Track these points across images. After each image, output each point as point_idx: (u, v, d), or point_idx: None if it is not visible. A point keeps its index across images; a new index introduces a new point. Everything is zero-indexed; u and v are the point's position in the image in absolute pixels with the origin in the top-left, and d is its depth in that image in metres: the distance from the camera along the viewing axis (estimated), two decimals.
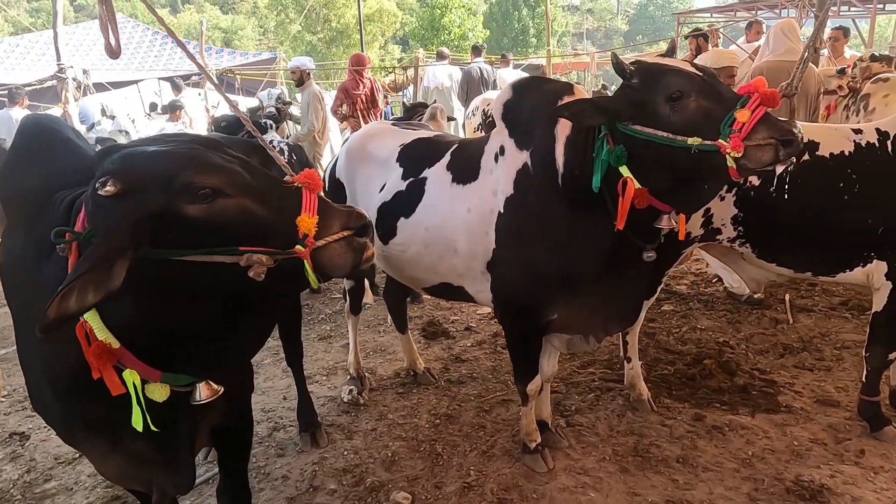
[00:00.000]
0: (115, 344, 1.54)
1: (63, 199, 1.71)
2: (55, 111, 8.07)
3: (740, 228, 3.06)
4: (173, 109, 8.60)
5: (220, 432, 2.12)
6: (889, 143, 2.83)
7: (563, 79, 8.55)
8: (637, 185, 2.21)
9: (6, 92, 7.71)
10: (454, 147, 2.91)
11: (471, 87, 8.11)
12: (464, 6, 32.10)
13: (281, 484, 3.08)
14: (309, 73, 7.01)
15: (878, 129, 2.89)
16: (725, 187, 2.93)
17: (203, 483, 3.08)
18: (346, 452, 3.29)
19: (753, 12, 13.79)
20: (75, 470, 3.30)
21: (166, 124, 8.41)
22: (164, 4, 46.74)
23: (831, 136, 2.95)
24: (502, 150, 2.65)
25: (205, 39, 14.58)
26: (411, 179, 2.94)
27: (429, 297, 5.37)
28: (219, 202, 1.49)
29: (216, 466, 3.14)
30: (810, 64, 4.98)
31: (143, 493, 2.19)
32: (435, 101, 7.07)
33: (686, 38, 8.45)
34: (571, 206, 2.45)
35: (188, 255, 1.47)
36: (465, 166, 2.79)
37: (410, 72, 10.27)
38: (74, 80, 6.33)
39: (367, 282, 4.87)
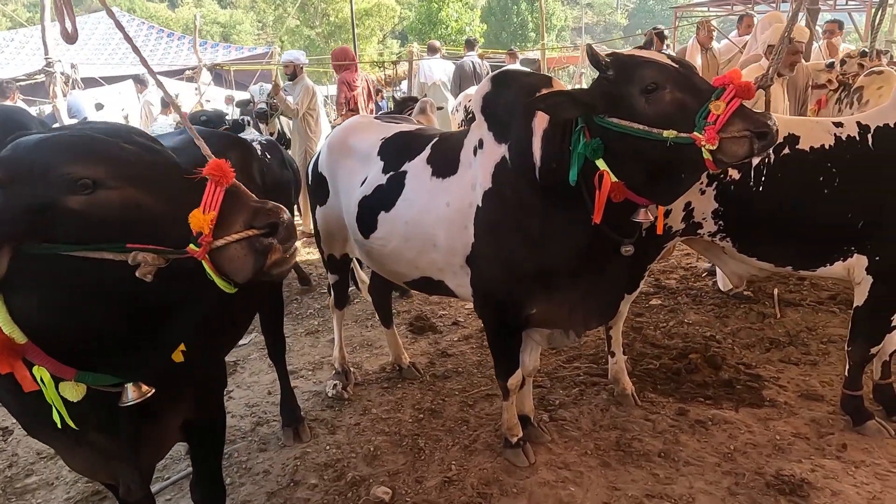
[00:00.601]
0: (21, 339, 1.47)
1: None
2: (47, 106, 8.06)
3: (721, 222, 3.04)
4: (164, 105, 8.57)
5: (190, 428, 2.10)
6: (870, 136, 2.81)
7: (560, 73, 8.53)
8: (613, 179, 2.20)
9: None
10: (435, 140, 2.90)
11: (463, 81, 8.07)
12: (462, 0, 31.99)
13: (262, 479, 3.07)
14: (302, 68, 6.98)
15: (858, 123, 2.87)
16: (706, 181, 2.92)
17: (182, 479, 3.08)
18: (328, 447, 3.29)
19: (749, 6, 13.75)
20: (56, 465, 3.29)
21: (160, 118, 8.39)
22: None
23: (811, 129, 2.93)
24: (481, 144, 2.63)
25: (203, 34, 14.53)
26: (392, 173, 2.92)
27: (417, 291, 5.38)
28: (100, 194, 1.38)
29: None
30: (801, 58, 4.96)
31: (114, 486, 2.18)
32: (426, 95, 7.04)
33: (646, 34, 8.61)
34: (549, 199, 2.44)
35: (74, 251, 1.37)
36: (445, 160, 2.77)
37: (406, 67, 10.22)
38: (63, 74, 6.28)
39: (358, 274, 4.87)
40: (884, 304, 2.91)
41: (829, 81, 5.60)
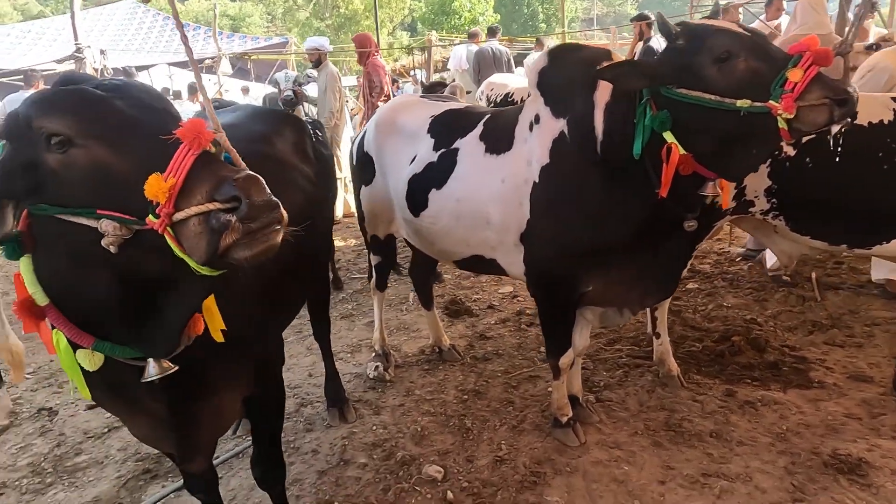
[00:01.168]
0: (42, 300, 1.44)
1: None
2: None
3: (774, 200, 3.01)
4: (192, 92, 8.58)
5: (250, 403, 2.10)
6: None
7: None
8: (682, 151, 2.17)
9: (22, 75, 7.69)
10: (486, 117, 2.87)
11: (483, 68, 8.01)
12: None
13: (311, 458, 3.07)
14: (326, 54, 6.95)
15: None
16: None
17: (232, 457, 3.08)
18: (374, 427, 3.28)
19: None
20: (105, 444, 3.31)
21: (186, 104, 8.40)
22: None
23: (870, 104, 2.88)
24: (537, 119, 2.61)
25: (207, 27, 14.50)
26: (443, 150, 2.90)
27: (450, 276, 5.37)
28: (72, 152, 1.30)
29: (245, 441, 3.17)
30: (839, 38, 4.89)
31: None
32: (454, 80, 7.00)
33: (631, 21, 8.60)
34: (610, 174, 2.41)
35: (57, 213, 1.33)
36: (499, 136, 2.74)
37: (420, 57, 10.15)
38: (94, 60, 6.27)
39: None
40: None
41: None
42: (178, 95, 13.01)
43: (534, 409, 3.32)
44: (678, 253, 2.59)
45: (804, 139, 2.75)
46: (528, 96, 6.12)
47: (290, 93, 6.77)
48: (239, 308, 1.83)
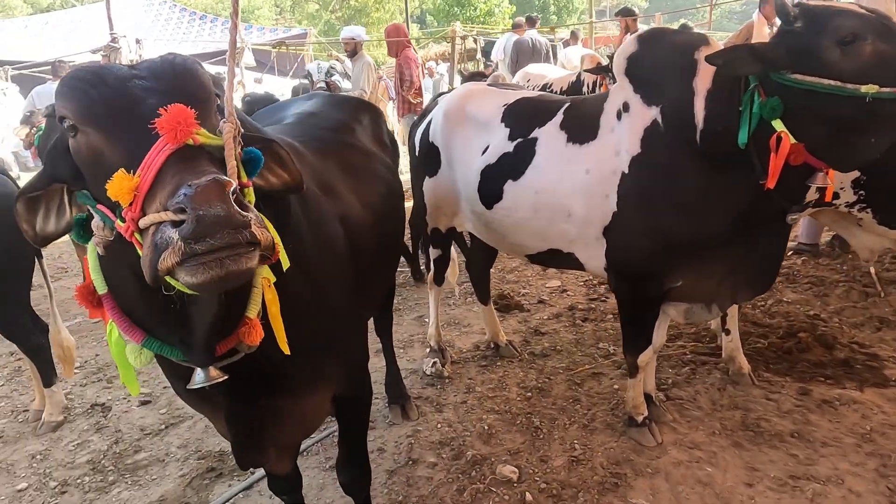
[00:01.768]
0: (101, 288, 1.36)
1: None
2: None
3: (861, 192, 2.89)
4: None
5: (338, 403, 2.01)
6: None
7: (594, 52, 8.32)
8: (793, 141, 2.06)
9: (50, 66, 7.62)
10: (567, 105, 2.77)
11: (521, 58, 7.88)
12: None
13: (377, 456, 2.99)
14: (361, 44, 6.84)
15: None
16: None
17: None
18: (438, 425, 3.20)
19: None
20: (164, 441, 3.24)
21: None
22: None
23: None
24: (626, 107, 2.50)
25: (225, 18, 14.38)
26: (519, 140, 2.80)
27: (494, 270, 5.26)
28: (77, 137, 1.20)
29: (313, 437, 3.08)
30: None
31: None
32: (496, 70, 6.89)
33: (616, 15, 8.58)
34: (709, 164, 2.30)
35: (83, 202, 1.27)
36: (582, 125, 2.64)
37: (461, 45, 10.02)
38: (129, 50, 6.19)
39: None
40: None
41: None
42: None
43: (602, 407, 3.23)
44: (776, 247, 2.48)
45: None
46: (568, 87, 5.99)
47: (323, 84, 6.67)
48: (324, 303, 1.75)
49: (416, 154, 3.36)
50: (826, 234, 5.08)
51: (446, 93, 4.32)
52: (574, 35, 9.00)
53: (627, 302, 2.74)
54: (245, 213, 1.00)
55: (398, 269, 5.75)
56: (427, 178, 3.29)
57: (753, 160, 2.19)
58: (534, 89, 6.41)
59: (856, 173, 2.86)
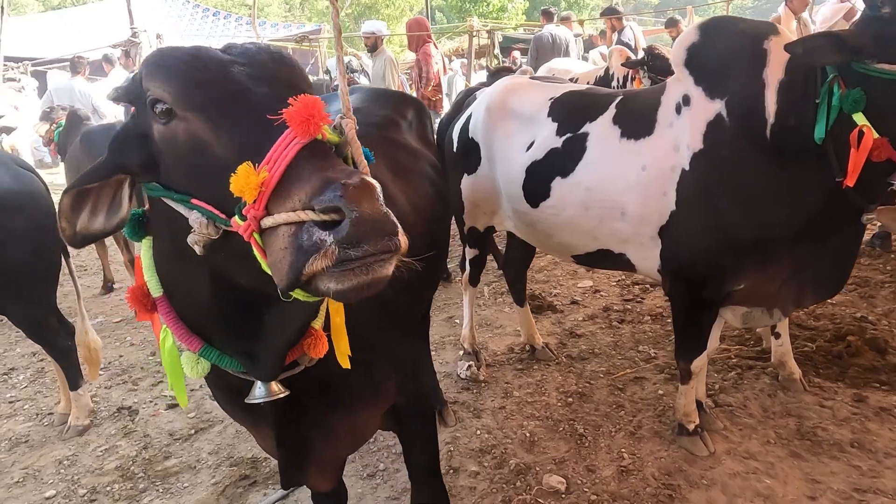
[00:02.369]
0: (155, 290, 1.27)
1: None
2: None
3: None
4: None
5: (396, 417, 1.84)
6: None
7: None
8: (876, 135, 1.93)
9: (68, 62, 7.55)
10: (619, 99, 2.63)
11: (542, 54, 7.72)
12: None
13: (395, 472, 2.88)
14: (382, 39, 6.72)
15: None
16: None
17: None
18: (478, 432, 3.08)
19: None
20: (193, 447, 3.14)
21: None
22: None
23: None
24: (686, 101, 2.37)
25: (238, 15, 14.31)
26: (568, 135, 2.67)
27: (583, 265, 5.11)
28: (173, 124, 1.10)
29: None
30: None
31: None
32: (522, 65, 6.75)
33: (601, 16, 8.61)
34: (778, 160, 2.17)
35: (162, 196, 1.15)
36: (637, 119, 2.51)
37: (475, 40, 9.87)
38: (150, 45, 6.10)
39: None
40: None
41: None
42: None
43: (647, 414, 3.11)
44: (849, 248, 2.34)
45: None
46: (595, 82, 5.83)
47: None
48: (386, 310, 1.63)
49: (454, 150, 3.23)
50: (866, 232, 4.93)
51: (476, 88, 4.21)
52: (608, 34, 8.82)
53: (683, 305, 2.61)
54: (394, 219, 0.92)
55: None
56: (465, 175, 3.16)
57: (830, 156, 2.06)
58: None
59: None
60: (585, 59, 9.38)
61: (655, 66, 5.60)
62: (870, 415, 2.97)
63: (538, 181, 2.73)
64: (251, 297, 1.15)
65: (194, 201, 1.06)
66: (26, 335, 3.27)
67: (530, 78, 3.25)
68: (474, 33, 10.57)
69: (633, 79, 5.65)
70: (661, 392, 3.28)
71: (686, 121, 2.35)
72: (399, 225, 0.93)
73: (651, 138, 2.45)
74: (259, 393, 1.30)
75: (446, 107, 6.44)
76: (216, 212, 1.03)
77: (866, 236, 4.94)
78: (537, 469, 2.77)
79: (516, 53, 12.53)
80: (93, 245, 5.61)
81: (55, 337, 3.20)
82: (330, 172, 0.92)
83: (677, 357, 2.75)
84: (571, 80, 6.24)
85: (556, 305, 4.48)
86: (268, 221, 0.94)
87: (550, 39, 7.79)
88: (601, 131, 2.59)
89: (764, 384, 3.28)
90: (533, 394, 3.37)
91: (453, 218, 3.10)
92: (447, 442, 3.01)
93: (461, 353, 3.70)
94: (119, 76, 7.80)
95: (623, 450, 2.85)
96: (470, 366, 3.55)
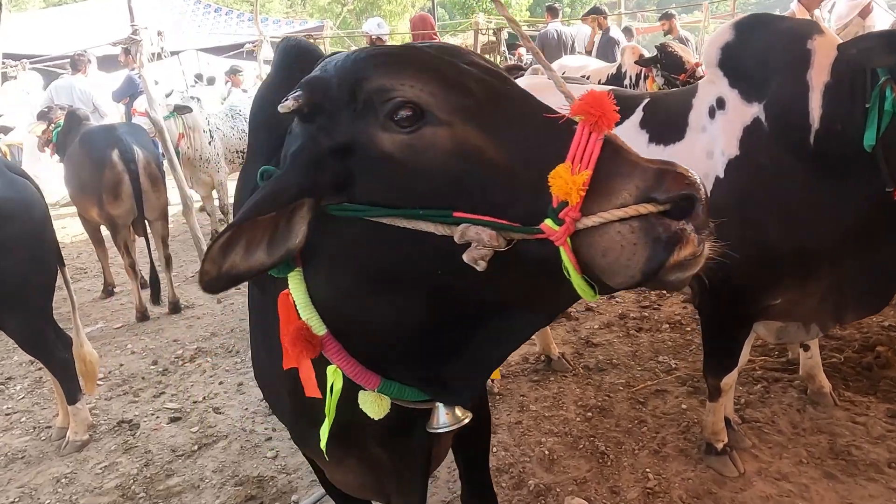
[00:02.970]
0: (320, 329, 1.12)
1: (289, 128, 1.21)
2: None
3: None
4: (234, 73, 8.24)
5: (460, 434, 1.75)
6: None
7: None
8: None
9: (69, 60, 7.40)
10: (646, 101, 2.49)
11: (547, 52, 7.58)
12: None
13: (431, 485, 2.74)
14: (384, 40, 6.56)
15: None
16: None
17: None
18: (494, 448, 2.94)
19: None
20: (197, 464, 3.01)
21: (227, 88, 8.08)
22: None
23: None
24: (721, 104, 2.23)
25: (240, 11, 14.13)
26: None
27: None
28: (426, 132, 0.97)
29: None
30: None
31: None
32: (531, 63, 6.59)
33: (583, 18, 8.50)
34: (822, 168, 2.03)
35: (380, 216, 1.00)
36: (666, 123, 2.37)
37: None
38: (151, 42, 5.97)
39: None
40: None
41: None
42: (211, 81, 12.72)
43: (671, 430, 2.97)
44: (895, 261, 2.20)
45: None
46: (607, 79, 5.69)
47: None
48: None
49: None
50: None
51: None
52: (627, 30, 8.67)
53: (715, 320, 2.47)
54: None
55: None
56: None
57: (880, 164, 1.92)
58: None
59: None
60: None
61: (668, 63, 5.46)
62: None
63: None
64: (478, 312, 1.09)
65: (458, 214, 0.95)
66: (21, 348, 3.13)
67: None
68: (483, 31, 10.41)
69: (646, 77, 5.50)
70: (684, 406, 3.14)
71: (720, 125, 2.21)
72: None
73: (682, 143, 2.31)
74: (443, 420, 1.22)
75: None
76: (503, 221, 0.94)
77: None
78: (558, 490, 2.64)
79: (522, 51, 12.36)
80: (92, 246, 5.48)
81: (52, 349, 3.07)
82: (649, 163, 0.91)
83: (706, 372, 2.61)
84: (583, 76, 6.10)
85: (571, 312, 4.34)
86: (592, 220, 0.88)
87: (556, 36, 7.63)
88: (627, 135, 2.42)
89: (792, 398, 3.14)
90: (550, 407, 3.24)
91: None
92: None
93: None
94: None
95: (648, 469, 2.72)
96: None
